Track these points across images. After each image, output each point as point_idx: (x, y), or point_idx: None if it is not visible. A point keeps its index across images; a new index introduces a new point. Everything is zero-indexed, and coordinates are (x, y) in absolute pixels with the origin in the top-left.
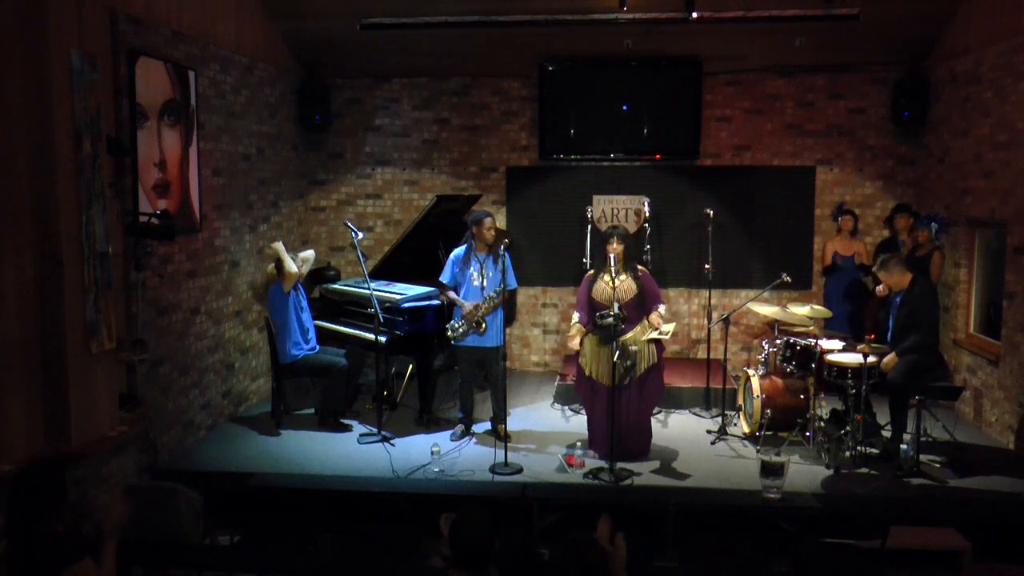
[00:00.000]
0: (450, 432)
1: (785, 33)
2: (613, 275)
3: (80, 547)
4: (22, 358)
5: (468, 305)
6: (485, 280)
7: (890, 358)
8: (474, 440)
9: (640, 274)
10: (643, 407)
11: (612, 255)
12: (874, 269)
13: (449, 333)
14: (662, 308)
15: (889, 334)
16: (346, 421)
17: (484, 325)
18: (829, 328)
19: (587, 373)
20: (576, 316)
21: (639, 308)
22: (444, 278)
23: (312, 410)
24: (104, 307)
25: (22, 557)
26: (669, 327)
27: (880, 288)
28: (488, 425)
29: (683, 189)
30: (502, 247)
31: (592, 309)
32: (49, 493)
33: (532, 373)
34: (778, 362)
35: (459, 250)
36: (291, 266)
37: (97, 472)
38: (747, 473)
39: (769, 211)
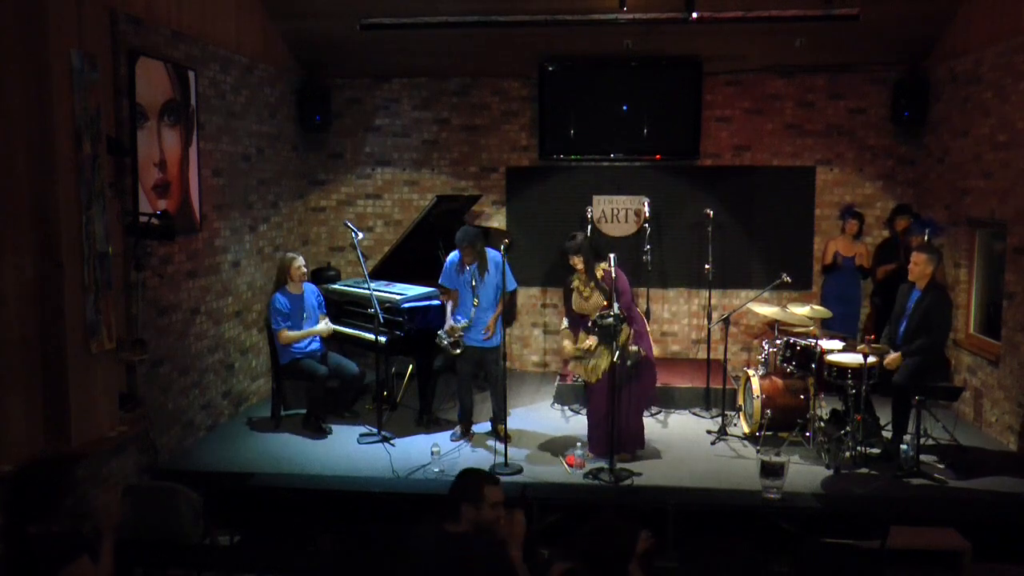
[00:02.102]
0: (450, 432)
1: (785, 33)
2: (583, 286)
3: (77, 546)
4: (22, 358)
5: (449, 323)
6: (477, 284)
7: (895, 357)
8: (472, 440)
9: (603, 277)
10: (635, 404)
11: (612, 259)
12: (915, 246)
13: (436, 341)
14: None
15: (900, 332)
16: (327, 426)
17: (462, 347)
18: (830, 328)
19: (578, 375)
20: (566, 321)
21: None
22: (443, 280)
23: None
24: (104, 307)
25: (20, 556)
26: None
27: (884, 269)
28: (488, 425)
29: (683, 189)
30: (502, 246)
31: (581, 318)
32: (46, 493)
33: (532, 373)
34: (778, 362)
35: (454, 254)
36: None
37: (97, 472)
38: (747, 473)
39: (769, 211)
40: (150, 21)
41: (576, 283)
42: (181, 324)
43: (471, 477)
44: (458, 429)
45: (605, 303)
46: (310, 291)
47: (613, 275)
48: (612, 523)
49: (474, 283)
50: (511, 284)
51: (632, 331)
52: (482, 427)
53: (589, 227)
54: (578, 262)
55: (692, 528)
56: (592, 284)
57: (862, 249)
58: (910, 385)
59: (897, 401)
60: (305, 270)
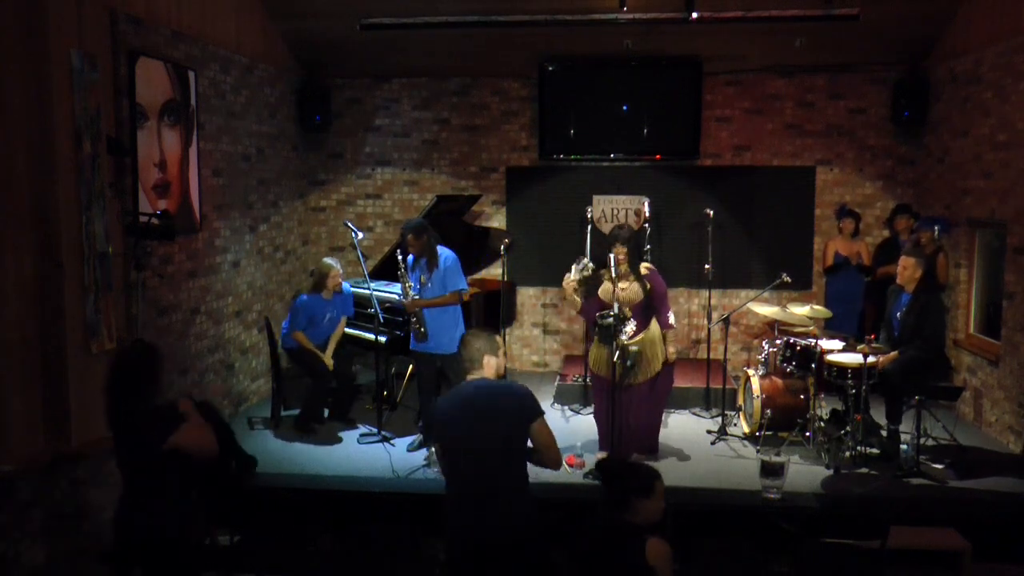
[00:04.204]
0: (409, 439)
1: (785, 33)
2: (615, 278)
3: (177, 417)
4: (22, 358)
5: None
6: (428, 283)
7: (887, 358)
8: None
9: (648, 274)
10: (654, 404)
11: (613, 259)
12: (923, 242)
13: (415, 337)
14: (671, 318)
15: (895, 332)
16: (317, 426)
17: (424, 328)
18: (830, 328)
19: (594, 370)
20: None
21: (647, 310)
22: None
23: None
24: (104, 307)
25: (130, 430)
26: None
27: (884, 270)
28: None
29: (683, 189)
30: (502, 246)
31: (598, 308)
32: (146, 373)
33: (532, 373)
34: (778, 362)
35: (411, 257)
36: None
37: (97, 472)
38: (747, 473)
39: (769, 211)
40: (150, 21)
41: (606, 275)
42: (181, 324)
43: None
44: (416, 439)
45: (641, 299)
46: (344, 298)
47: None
48: (624, 464)
49: (423, 279)
50: (460, 284)
51: (665, 333)
52: None
53: (589, 227)
54: (622, 252)
55: (692, 528)
56: (632, 278)
57: (862, 247)
58: (902, 381)
59: (890, 396)
60: (341, 280)
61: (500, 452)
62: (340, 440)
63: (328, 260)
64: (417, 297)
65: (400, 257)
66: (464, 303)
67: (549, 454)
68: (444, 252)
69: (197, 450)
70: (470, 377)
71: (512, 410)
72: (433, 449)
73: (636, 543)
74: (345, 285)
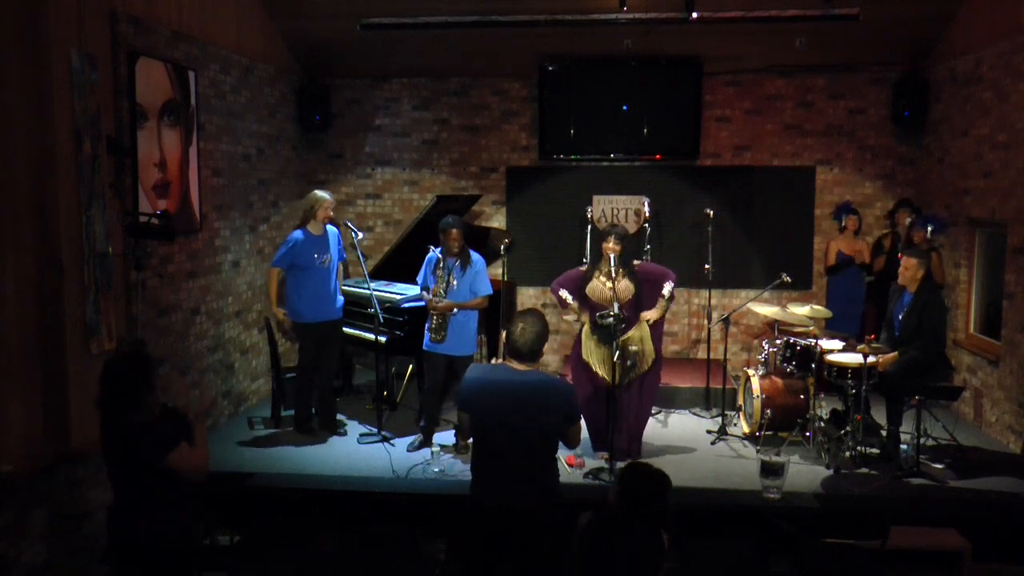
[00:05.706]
0: (410, 439)
1: (785, 33)
2: (613, 275)
3: (174, 435)
4: (22, 358)
5: (428, 295)
6: (455, 284)
7: (887, 358)
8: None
9: (637, 271)
10: (642, 407)
11: (612, 256)
12: (917, 241)
13: (431, 337)
14: (668, 287)
15: (896, 332)
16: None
17: (446, 331)
18: (833, 328)
19: (594, 369)
20: (566, 294)
21: (637, 308)
22: (419, 279)
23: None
24: (104, 307)
25: (124, 447)
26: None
27: (878, 262)
28: (450, 436)
29: (683, 189)
30: (502, 246)
31: (588, 308)
32: (134, 383)
33: None
34: (778, 362)
35: (432, 254)
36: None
37: (97, 472)
38: (747, 473)
39: (769, 211)
40: (150, 21)
41: (597, 273)
42: (181, 324)
43: None
44: (416, 439)
45: (632, 295)
46: (332, 235)
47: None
48: (643, 471)
49: (450, 278)
50: (490, 288)
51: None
52: (442, 437)
53: (589, 227)
54: (616, 247)
55: (692, 528)
56: (623, 272)
57: (863, 246)
58: (901, 382)
59: (889, 398)
60: (332, 213)
61: (536, 440)
62: (340, 440)
63: (320, 192)
64: (444, 298)
65: (437, 256)
66: None
67: (573, 439)
68: (474, 255)
69: (191, 471)
70: (522, 367)
71: (557, 414)
72: (457, 419)
73: (660, 542)
74: (332, 227)
